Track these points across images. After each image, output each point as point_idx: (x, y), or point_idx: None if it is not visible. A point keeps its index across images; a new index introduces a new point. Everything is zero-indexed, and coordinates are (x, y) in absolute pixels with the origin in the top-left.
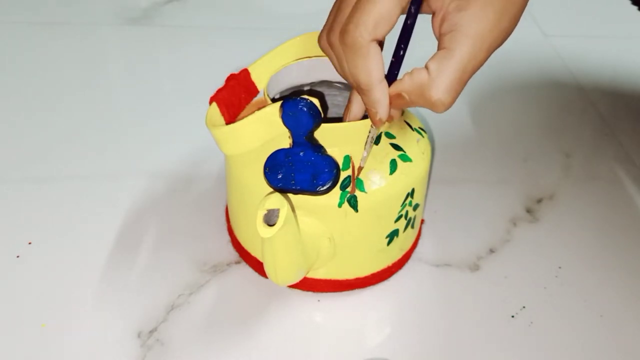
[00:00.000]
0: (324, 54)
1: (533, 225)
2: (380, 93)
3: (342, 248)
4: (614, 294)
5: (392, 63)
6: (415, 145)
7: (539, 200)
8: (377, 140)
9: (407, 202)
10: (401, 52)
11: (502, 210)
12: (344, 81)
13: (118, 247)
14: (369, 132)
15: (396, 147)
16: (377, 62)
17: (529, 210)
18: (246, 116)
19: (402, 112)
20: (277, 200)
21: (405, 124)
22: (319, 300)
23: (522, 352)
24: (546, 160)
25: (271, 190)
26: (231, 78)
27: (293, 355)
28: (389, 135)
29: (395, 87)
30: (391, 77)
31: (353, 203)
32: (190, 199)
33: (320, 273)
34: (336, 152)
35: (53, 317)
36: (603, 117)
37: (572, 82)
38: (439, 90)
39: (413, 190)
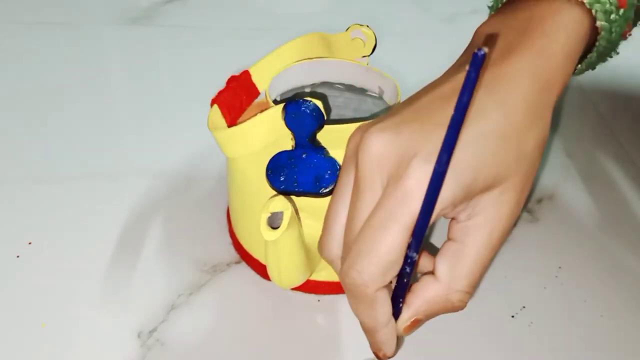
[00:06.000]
0: (324, 56)
1: (533, 225)
2: (386, 336)
3: None
4: (614, 294)
5: (395, 293)
6: None
7: (539, 200)
8: None
9: None
10: (405, 280)
11: None
12: (345, 82)
13: (118, 247)
14: None
15: None
16: (383, 309)
17: (529, 210)
18: (248, 118)
19: None
20: (281, 203)
21: None
22: (319, 300)
23: (522, 352)
24: (546, 160)
25: (274, 192)
26: (232, 80)
27: (293, 356)
28: None
29: (409, 313)
30: (396, 309)
31: None
32: (191, 200)
33: (322, 275)
34: (339, 154)
35: (53, 317)
36: (603, 117)
37: (572, 82)
38: (460, 299)
39: None
